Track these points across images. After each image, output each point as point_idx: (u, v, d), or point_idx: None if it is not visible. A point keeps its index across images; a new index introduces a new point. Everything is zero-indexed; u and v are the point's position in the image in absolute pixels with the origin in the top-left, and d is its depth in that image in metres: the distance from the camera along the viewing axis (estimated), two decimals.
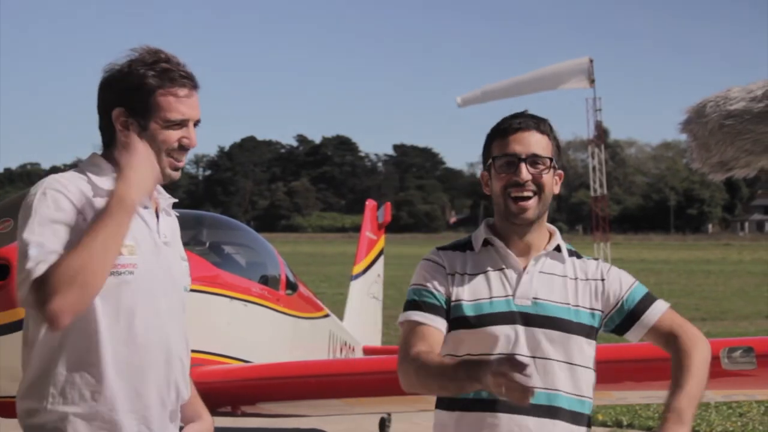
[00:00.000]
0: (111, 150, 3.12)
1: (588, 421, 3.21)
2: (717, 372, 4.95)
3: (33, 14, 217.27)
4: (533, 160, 3.15)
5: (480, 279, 3.17)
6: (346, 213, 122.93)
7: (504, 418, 3.05)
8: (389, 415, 9.05)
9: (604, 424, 9.84)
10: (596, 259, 3.33)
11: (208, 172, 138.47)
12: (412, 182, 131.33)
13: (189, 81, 3.11)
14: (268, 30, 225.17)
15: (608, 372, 5.47)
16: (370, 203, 11.96)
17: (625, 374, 5.55)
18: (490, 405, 3.06)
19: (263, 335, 7.17)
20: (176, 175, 3.15)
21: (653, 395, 6.19)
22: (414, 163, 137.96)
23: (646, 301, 3.23)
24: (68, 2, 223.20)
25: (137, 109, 3.06)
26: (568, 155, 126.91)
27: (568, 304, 3.16)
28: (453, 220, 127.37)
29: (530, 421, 3.06)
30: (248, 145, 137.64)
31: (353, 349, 9.62)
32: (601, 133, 31.34)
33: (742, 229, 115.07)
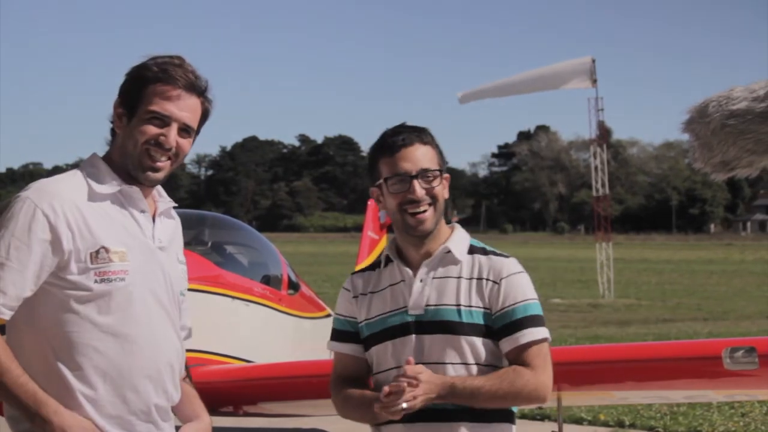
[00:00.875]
0: (112, 148, 3.09)
1: (507, 416, 3.23)
2: (719, 372, 4.97)
3: (34, 14, 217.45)
4: (424, 175, 3.23)
5: (379, 296, 3.30)
6: (348, 213, 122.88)
7: (399, 427, 3.16)
8: None
9: (606, 424, 9.80)
10: (508, 257, 3.29)
11: (210, 172, 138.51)
12: None
13: (186, 83, 3.02)
14: (270, 29, 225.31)
15: (609, 372, 5.53)
16: (372, 203, 11.93)
17: (626, 374, 5.55)
18: None
19: (265, 335, 7.17)
20: (154, 176, 3.03)
21: (655, 395, 6.18)
22: None
23: (530, 322, 3.18)
24: (69, 2, 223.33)
25: (130, 100, 3.02)
26: (570, 155, 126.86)
27: (460, 305, 3.19)
28: (455, 219, 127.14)
29: (428, 427, 3.14)
30: (250, 144, 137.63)
31: None
32: (604, 133, 31.24)
33: (744, 228, 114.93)
